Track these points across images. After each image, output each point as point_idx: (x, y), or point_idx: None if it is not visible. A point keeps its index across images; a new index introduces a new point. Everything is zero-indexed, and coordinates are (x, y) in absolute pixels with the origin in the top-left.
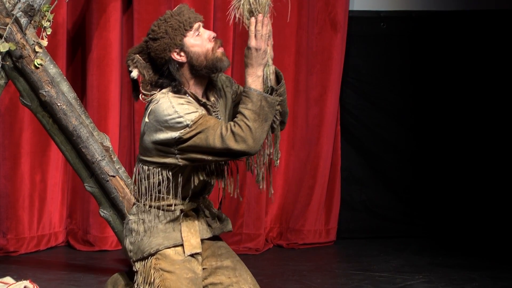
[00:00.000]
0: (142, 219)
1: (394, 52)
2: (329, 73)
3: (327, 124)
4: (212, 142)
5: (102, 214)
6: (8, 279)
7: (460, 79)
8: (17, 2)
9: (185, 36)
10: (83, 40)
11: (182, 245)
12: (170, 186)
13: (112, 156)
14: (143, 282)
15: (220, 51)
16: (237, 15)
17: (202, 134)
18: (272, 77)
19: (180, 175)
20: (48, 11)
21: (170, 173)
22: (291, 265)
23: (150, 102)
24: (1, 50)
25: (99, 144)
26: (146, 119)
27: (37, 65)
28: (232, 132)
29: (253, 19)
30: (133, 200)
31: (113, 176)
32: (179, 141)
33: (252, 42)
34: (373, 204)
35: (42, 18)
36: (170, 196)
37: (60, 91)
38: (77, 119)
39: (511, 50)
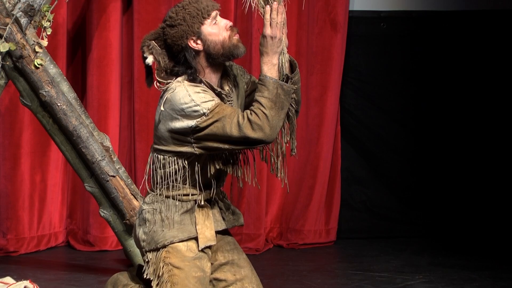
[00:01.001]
0: (157, 209)
1: (394, 52)
2: (329, 73)
3: (327, 124)
4: (229, 130)
5: (102, 214)
6: (8, 279)
7: (460, 79)
8: (17, 2)
9: (202, 24)
10: (83, 40)
11: (196, 238)
12: (186, 175)
13: (112, 156)
14: (153, 273)
15: (236, 38)
16: (252, 4)
17: (219, 123)
18: (287, 65)
19: (196, 163)
20: (48, 11)
21: (186, 162)
22: (291, 265)
23: (165, 90)
24: (1, 50)
25: (99, 144)
26: (162, 108)
27: (37, 65)
28: (249, 120)
29: (268, 7)
30: (133, 201)
31: (113, 176)
32: (195, 129)
33: (268, 30)
34: (373, 204)
35: (42, 18)
36: (186, 186)
37: (60, 91)
38: (77, 119)
39: (510, 50)
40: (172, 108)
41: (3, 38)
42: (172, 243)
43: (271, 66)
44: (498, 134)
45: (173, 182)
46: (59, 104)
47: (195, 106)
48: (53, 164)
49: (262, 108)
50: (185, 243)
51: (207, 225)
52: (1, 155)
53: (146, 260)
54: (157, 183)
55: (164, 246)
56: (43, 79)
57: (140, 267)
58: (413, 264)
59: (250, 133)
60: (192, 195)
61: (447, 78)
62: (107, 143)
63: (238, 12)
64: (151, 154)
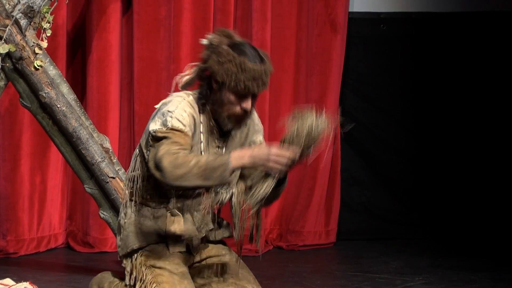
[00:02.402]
0: (129, 215)
1: (394, 53)
2: (329, 74)
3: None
4: (152, 154)
5: (102, 215)
6: (8, 281)
7: (460, 81)
8: (17, 4)
9: (231, 90)
10: (83, 41)
11: (166, 242)
12: (146, 182)
13: (112, 158)
14: (133, 279)
15: (237, 114)
16: (288, 126)
17: (161, 142)
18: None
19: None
20: (48, 13)
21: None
22: (291, 267)
23: (172, 95)
24: (0, 52)
25: (99, 146)
26: (156, 106)
27: (37, 67)
28: (162, 158)
29: (290, 149)
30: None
31: (113, 178)
32: (152, 135)
33: (273, 151)
34: (373, 205)
35: (42, 19)
36: (156, 193)
37: (60, 93)
38: (77, 120)
39: (510, 52)
40: (160, 109)
41: (3, 39)
42: (141, 247)
43: (241, 159)
44: (498, 135)
45: (142, 188)
46: (59, 106)
47: (170, 116)
48: (53, 166)
49: (189, 161)
50: (157, 245)
51: (177, 231)
52: (1, 156)
53: (124, 267)
54: (130, 187)
55: (134, 251)
56: (42, 81)
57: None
58: (413, 266)
59: (151, 165)
60: (161, 203)
61: (447, 80)
62: (107, 144)
63: (238, 13)
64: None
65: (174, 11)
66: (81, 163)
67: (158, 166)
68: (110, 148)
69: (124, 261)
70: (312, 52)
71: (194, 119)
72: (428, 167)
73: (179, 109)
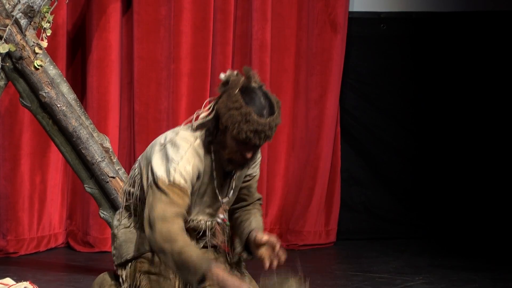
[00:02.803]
0: (124, 224)
1: (394, 53)
2: (329, 74)
3: (327, 125)
4: (149, 206)
5: (102, 215)
6: (8, 280)
7: (460, 80)
8: (17, 3)
9: (233, 137)
10: (83, 41)
11: None
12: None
13: (112, 157)
14: (128, 286)
15: (237, 159)
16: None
17: (160, 196)
18: None
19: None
20: (48, 12)
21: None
22: (291, 266)
23: (183, 129)
24: (1, 51)
25: (99, 145)
26: (164, 139)
27: (37, 66)
28: (156, 222)
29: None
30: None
31: (113, 177)
32: (154, 176)
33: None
34: (373, 205)
35: (42, 19)
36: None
37: (60, 92)
38: (77, 120)
39: (510, 51)
40: (165, 147)
41: (3, 39)
42: (134, 258)
43: (215, 276)
44: (498, 135)
45: (134, 203)
46: (59, 105)
47: (173, 167)
48: (53, 165)
49: (177, 240)
50: (151, 253)
51: None
52: (1, 156)
53: (120, 275)
54: (125, 197)
55: (128, 261)
56: (43, 80)
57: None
58: (413, 265)
59: (145, 225)
60: None
61: (447, 79)
62: (107, 144)
63: (238, 13)
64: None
65: (174, 10)
66: (81, 163)
67: (150, 225)
68: (110, 147)
69: (119, 270)
70: (312, 51)
71: (199, 170)
72: (428, 167)
73: (184, 160)
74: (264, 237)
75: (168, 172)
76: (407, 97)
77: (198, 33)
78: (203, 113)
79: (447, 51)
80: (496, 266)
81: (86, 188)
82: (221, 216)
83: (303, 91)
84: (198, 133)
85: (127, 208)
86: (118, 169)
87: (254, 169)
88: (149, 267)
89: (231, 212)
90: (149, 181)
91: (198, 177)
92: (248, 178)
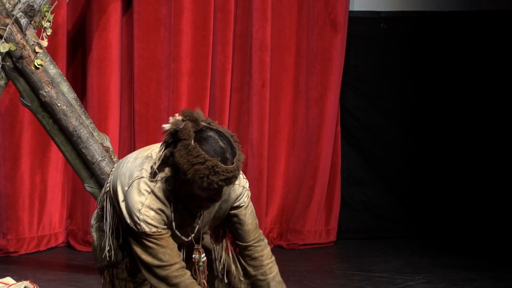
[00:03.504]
0: (98, 227)
1: (394, 52)
2: (329, 73)
3: (327, 124)
4: (138, 251)
5: None
6: (8, 280)
7: (460, 80)
8: (17, 3)
9: (201, 188)
10: (83, 40)
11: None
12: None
13: (112, 157)
14: None
15: (205, 205)
16: None
17: (144, 246)
18: None
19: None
20: (48, 12)
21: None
22: (291, 266)
23: (142, 166)
24: (1, 51)
25: (99, 145)
26: (122, 186)
27: (37, 66)
28: (153, 270)
29: None
30: None
31: None
32: (130, 226)
33: None
34: (373, 204)
35: (42, 18)
36: None
37: (60, 92)
38: (77, 119)
39: (510, 51)
40: (127, 196)
41: (3, 38)
42: (110, 266)
43: None
44: (498, 135)
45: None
46: (59, 105)
47: (137, 218)
48: (53, 165)
49: (175, 276)
50: (126, 261)
51: None
52: (1, 155)
53: (100, 274)
54: (102, 206)
55: (104, 268)
56: (43, 80)
57: None
58: (413, 265)
59: (141, 267)
60: None
61: (448, 79)
62: (107, 143)
63: (238, 12)
64: (109, 180)
65: (175, 10)
66: (81, 162)
67: (147, 269)
68: (110, 147)
69: (100, 274)
70: (313, 51)
71: (164, 212)
72: (428, 166)
73: (145, 207)
74: None
75: (134, 223)
76: (407, 96)
77: (198, 32)
78: (153, 163)
79: (447, 51)
80: (496, 265)
81: (86, 187)
82: (193, 256)
83: (303, 91)
84: (155, 179)
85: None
86: None
87: (241, 201)
88: (127, 276)
89: (241, 249)
90: (126, 222)
91: (166, 218)
92: (235, 208)
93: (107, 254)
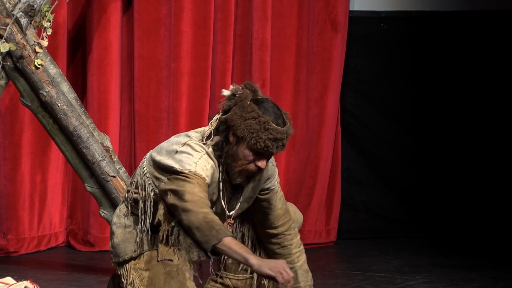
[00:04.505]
0: (123, 224)
1: (395, 52)
2: (329, 73)
3: (328, 124)
4: (175, 185)
5: (102, 214)
6: (8, 280)
7: (460, 80)
8: (17, 3)
9: (249, 146)
10: (84, 40)
11: (157, 249)
12: (150, 205)
13: (112, 157)
14: (126, 283)
15: (249, 170)
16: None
17: (183, 180)
18: None
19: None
20: (48, 12)
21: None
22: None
23: (189, 135)
24: (1, 51)
25: (100, 145)
26: (175, 146)
27: (38, 66)
28: (185, 192)
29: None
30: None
31: (114, 177)
32: (173, 169)
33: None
34: (374, 204)
35: (43, 18)
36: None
37: (61, 92)
38: (77, 119)
39: (510, 51)
40: (180, 151)
41: (4, 38)
42: (132, 258)
43: (227, 248)
44: (498, 135)
45: (140, 206)
46: (59, 105)
47: (194, 162)
48: (53, 164)
49: (204, 204)
50: (149, 252)
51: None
52: (2, 155)
53: (118, 272)
54: (128, 197)
55: (125, 261)
56: (43, 80)
57: (114, 276)
58: (414, 264)
59: (170, 196)
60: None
61: (448, 78)
62: (108, 143)
63: (238, 12)
64: (142, 165)
65: (175, 10)
66: (81, 162)
67: (179, 196)
68: (110, 146)
69: (117, 268)
70: (313, 51)
71: (214, 173)
72: (428, 166)
73: (202, 160)
74: None
75: (189, 165)
76: (408, 96)
77: (199, 32)
78: (208, 127)
79: (448, 50)
80: (496, 265)
81: (86, 187)
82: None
83: (303, 90)
84: (207, 143)
85: (126, 205)
86: (119, 168)
87: (272, 183)
88: (143, 263)
89: (265, 237)
90: (166, 177)
91: (212, 181)
92: (266, 191)
93: (138, 243)
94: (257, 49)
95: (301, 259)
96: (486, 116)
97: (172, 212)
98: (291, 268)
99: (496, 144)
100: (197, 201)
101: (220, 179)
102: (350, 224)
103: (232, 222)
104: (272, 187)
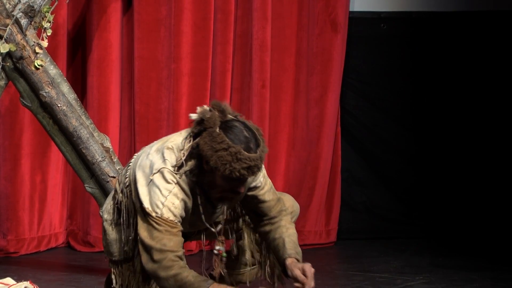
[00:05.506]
0: (113, 220)
1: (394, 53)
2: (329, 74)
3: (328, 125)
4: (144, 234)
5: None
6: (8, 280)
7: (460, 80)
8: (17, 3)
9: (224, 177)
10: (84, 41)
11: None
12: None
13: (112, 157)
14: (118, 283)
15: (229, 197)
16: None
17: (152, 227)
18: None
19: None
20: (48, 12)
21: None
22: (278, 235)
23: (164, 156)
24: (1, 51)
25: (100, 145)
26: (148, 169)
27: (38, 66)
28: (152, 250)
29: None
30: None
31: (114, 177)
32: (142, 207)
33: None
34: (374, 205)
35: (43, 19)
36: None
37: (61, 92)
38: (77, 120)
39: (510, 51)
40: (153, 179)
41: (3, 39)
42: (126, 259)
43: None
44: (498, 135)
45: (123, 215)
46: (59, 105)
47: (161, 202)
48: (53, 165)
49: (172, 266)
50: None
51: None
52: (1, 156)
53: (111, 268)
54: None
55: (119, 261)
56: (43, 80)
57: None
58: (414, 265)
59: (142, 250)
60: None
61: (448, 79)
62: (108, 144)
63: (238, 13)
64: (127, 172)
65: (175, 10)
66: (81, 163)
67: (147, 252)
68: (110, 147)
69: (111, 267)
70: (313, 51)
71: (186, 204)
72: (428, 167)
73: (171, 196)
74: (299, 274)
75: (155, 205)
76: (408, 96)
77: (199, 32)
78: (181, 155)
79: (447, 51)
80: (496, 266)
81: (86, 187)
82: (217, 247)
83: (303, 91)
84: (180, 172)
85: (115, 202)
86: (119, 168)
87: (257, 181)
88: (140, 269)
89: (256, 223)
90: (137, 206)
91: (186, 210)
92: (252, 189)
93: (124, 249)
94: (257, 49)
95: (291, 232)
96: (486, 117)
97: None
98: (278, 238)
99: (496, 144)
100: (165, 260)
101: (199, 202)
102: (350, 224)
103: (223, 238)
104: (258, 185)
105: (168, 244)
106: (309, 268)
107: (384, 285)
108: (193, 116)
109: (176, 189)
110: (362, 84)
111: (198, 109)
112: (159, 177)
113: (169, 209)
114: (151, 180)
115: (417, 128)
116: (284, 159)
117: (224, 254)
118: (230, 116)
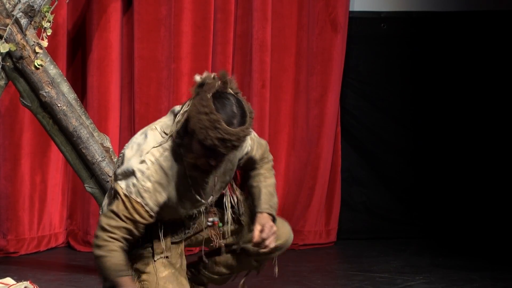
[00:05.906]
0: None
1: (395, 53)
2: (329, 74)
3: (327, 125)
4: (104, 208)
5: None
6: (8, 280)
7: (460, 80)
8: (17, 3)
9: (199, 142)
10: (84, 40)
11: (151, 246)
12: None
13: (112, 157)
14: None
15: (202, 165)
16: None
17: (115, 210)
18: None
19: None
20: (48, 12)
21: None
22: (291, 266)
23: (151, 129)
24: (1, 51)
25: (100, 145)
26: (135, 141)
27: (37, 66)
28: (97, 231)
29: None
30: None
31: None
32: (115, 183)
33: None
34: (374, 205)
35: (42, 18)
36: None
37: (61, 92)
38: (77, 120)
39: (510, 51)
40: (138, 149)
41: (3, 38)
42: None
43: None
44: (498, 135)
45: None
46: (59, 105)
47: (135, 181)
48: (53, 165)
49: (100, 248)
50: (142, 249)
51: (162, 237)
52: (1, 156)
53: None
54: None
55: None
56: (43, 80)
57: None
58: (414, 265)
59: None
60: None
61: (448, 79)
62: (107, 143)
63: (238, 12)
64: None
65: (175, 10)
66: (81, 162)
67: (98, 224)
68: (110, 147)
69: None
70: (313, 51)
71: (162, 185)
72: (428, 167)
73: (146, 175)
74: (256, 233)
75: (128, 184)
76: (408, 96)
77: (199, 32)
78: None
79: (447, 51)
80: (496, 266)
81: (86, 187)
82: (210, 219)
83: (303, 91)
84: (170, 140)
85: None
86: None
87: (246, 149)
88: (140, 264)
89: (244, 176)
90: (113, 181)
91: (168, 181)
92: (243, 157)
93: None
94: (257, 49)
95: (269, 182)
96: (486, 117)
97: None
98: (256, 187)
99: (495, 144)
100: (99, 239)
101: (188, 174)
102: (350, 224)
103: (215, 210)
104: (247, 152)
105: (112, 224)
106: (269, 227)
107: (384, 285)
108: (197, 77)
109: (152, 170)
110: (362, 84)
111: (205, 73)
112: (135, 158)
113: (139, 192)
114: (129, 160)
115: (417, 128)
116: (284, 159)
117: (220, 224)
118: (230, 91)
